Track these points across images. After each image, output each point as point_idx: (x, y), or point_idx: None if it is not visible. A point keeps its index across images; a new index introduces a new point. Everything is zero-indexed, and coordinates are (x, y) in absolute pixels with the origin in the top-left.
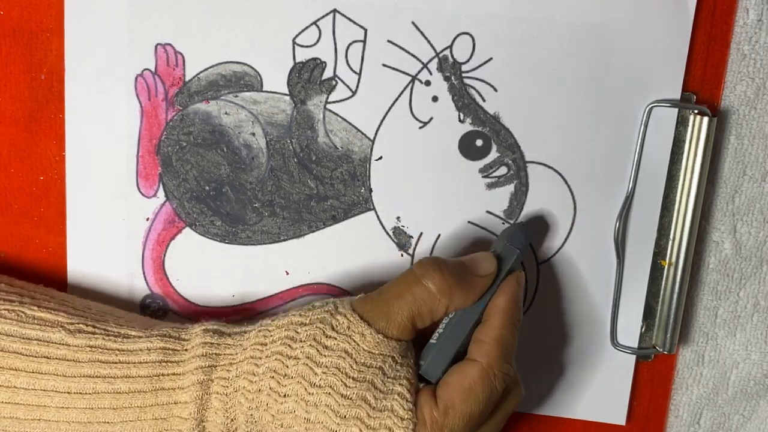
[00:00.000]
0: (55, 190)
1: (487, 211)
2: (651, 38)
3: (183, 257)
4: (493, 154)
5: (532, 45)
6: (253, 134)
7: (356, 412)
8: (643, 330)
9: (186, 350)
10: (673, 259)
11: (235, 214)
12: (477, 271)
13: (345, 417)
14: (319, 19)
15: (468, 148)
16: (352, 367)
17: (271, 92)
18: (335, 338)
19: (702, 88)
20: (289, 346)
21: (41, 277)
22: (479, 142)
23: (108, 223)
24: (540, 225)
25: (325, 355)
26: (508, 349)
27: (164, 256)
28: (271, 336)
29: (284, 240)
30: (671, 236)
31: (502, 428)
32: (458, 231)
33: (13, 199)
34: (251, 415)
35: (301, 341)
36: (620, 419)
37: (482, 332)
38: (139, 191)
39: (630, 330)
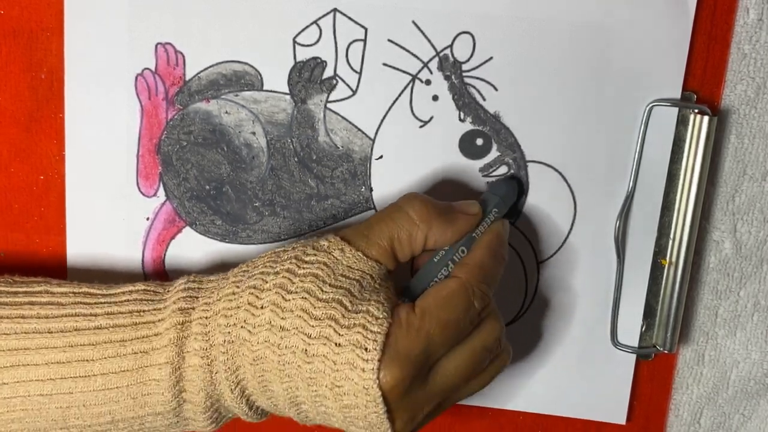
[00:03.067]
0: (55, 189)
1: None
2: (651, 38)
3: (183, 257)
4: (494, 154)
5: (533, 44)
6: (254, 133)
7: (331, 313)
8: (643, 329)
9: (168, 291)
10: (674, 259)
11: (236, 213)
12: (462, 211)
13: (319, 318)
14: (319, 18)
15: (468, 147)
16: (329, 275)
17: (271, 91)
18: (315, 254)
19: (702, 87)
20: (271, 266)
21: (41, 276)
22: (479, 142)
23: (108, 223)
24: (540, 225)
25: (303, 267)
26: (488, 273)
27: (164, 255)
28: (255, 263)
29: (285, 239)
30: (671, 236)
31: (486, 386)
32: None
33: (13, 198)
34: (229, 332)
35: (281, 261)
36: (620, 419)
37: (465, 258)
38: (140, 191)
39: (630, 329)
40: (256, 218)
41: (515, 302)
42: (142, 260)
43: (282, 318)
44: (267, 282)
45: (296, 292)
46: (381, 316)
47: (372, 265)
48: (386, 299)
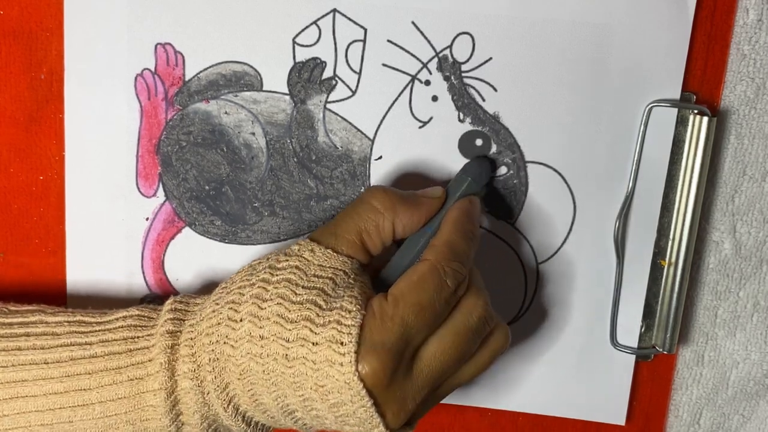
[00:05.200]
0: (54, 189)
1: (487, 211)
2: (651, 38)
3: (182, 257)
4: (493, 154)
5: (532, 45)
6: (253, 134)
7: (306, 314)
8: (642, 330)
9: (159, 315)
10: (673, 259)
11: (235, 213)
12: (424, 194)
13: (294, 321)
14: (319, 19)
15: (468, 147)
16: (301, 278)
17: (271, 92)
18: (287, 260)
19: (702, 88)
20: (247, 279)
21: (40, 276)
22: (479, 142)
23: (107, 223)
24: (540, 225)
25: (276, 274)
26: (457, 251)
27: (164, 255)
28: (233, 279)
29: (284, 240)
30: (671, 236)
31: (486, 369)
32: None
33: (12, 199)
34: (213, 350)
35: (257, 273)
36: (620, 419)
37: (433, 240)
38: (139, 191)
39: (630, 330)
40: (256, 219)
41: (515, 302)
42: (142, 260)
43: (260, 327)
44: (244, 295)
45: (271, 299)
46: (354, 309)
47: (344, 260)
48: (360, 293)
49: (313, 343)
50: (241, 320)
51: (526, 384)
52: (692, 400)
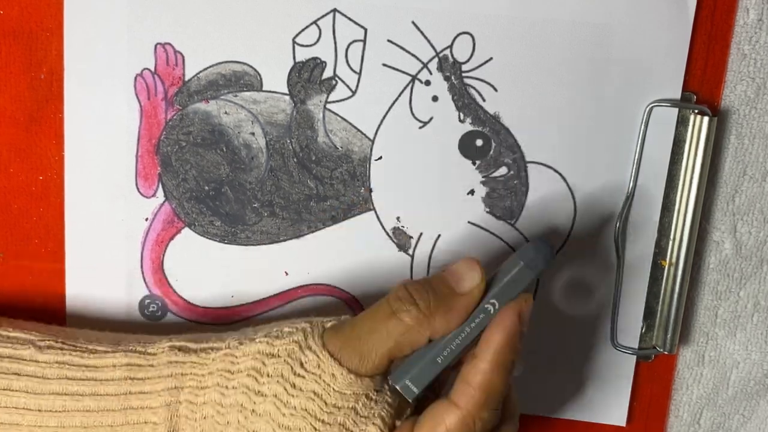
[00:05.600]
0: (54, 190)
1: (487, 212)
2: (651, 38)
3: (182, 258)
4: (493, 154)
5: (533, 45)
6: (253, 134)
7: None
8: (643, 330)
9: (152, 366)
10: (674, 259)
11: (235, 214)
12: (460, 289)
13: None
14: (319, 19)
15: (468, 148)
16: (321, 409)
17: (270, 92)
18: (304, 377)
19: (702, 87)
20: (256, 379)
21: (39, 276)
22: (479, 142)
23: (107, 224)
24: (540, 225)
25: (293, 395)
26: (493, 395)
27: (163, 256)
28: (238, 365)
29: (284, 240)
30: (671, 236)
31: None
32: (458, 231)
33: (12, 199)
34: None
35: (269, 376)
36: (620, 420)
37: (469, 372)
38: (138, 191)
39: (630, 330)
40: (255, 219)
41: None
42: (141, 261)
43: None
44: (256, 404)
45: (288, 428)
46: None
47: (367, 383)
48: (382, 426)
49: None
50: None
51: (526, 385)
52: (693, 400)
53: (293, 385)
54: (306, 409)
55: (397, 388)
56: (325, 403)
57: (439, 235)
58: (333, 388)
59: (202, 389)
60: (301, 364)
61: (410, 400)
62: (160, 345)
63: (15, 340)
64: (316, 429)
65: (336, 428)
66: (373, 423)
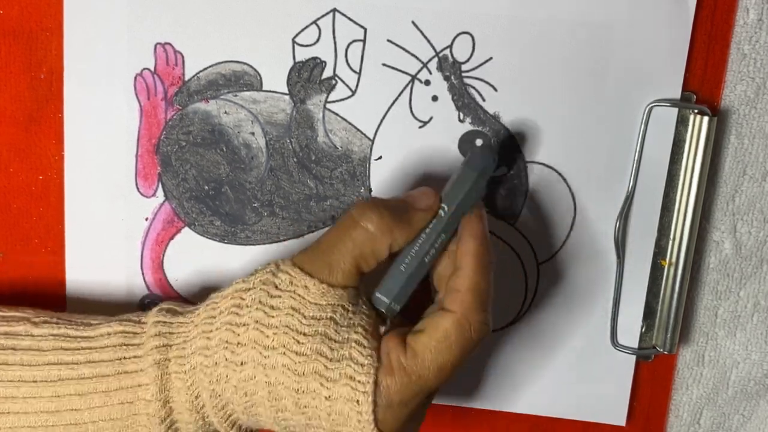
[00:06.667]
0: (54, 189)
1: (487, 211)
2: (651, 38)
3: (182, 257)
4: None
5: (532, 45)
6: (253, 134)
7: (313, 366)
8: (643, 330)
9: (144, 332)
10: (673, 259)
11: (235, 214)
12: (417, 206)
13: (303, 374)
14: (318, 19)
15: (468, 147)
16: (301, 322)
17: (270, 92)
18: (280, 296)
19: (702, 87)
20: (236, 314)
21: (40, 276)
22: (479, 142)
23: (107, 223)
24: (540, 225)
25: (273, 316)
26: (482, 296)
27: (163, 256)
28: (219, 307)
29: (283, 240)
30: (671, 236)
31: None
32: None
33: (12, 198)
34: (213, 389)
35: (247, 306)
36: (620, 420)
37: (455, 281)
38: (138, 191)
39: (630, 330)
40: (255, 219)
41: (515, 303)
42: (141, 261)
43: (266, 375)
44: (239, 335)
45: (274, 348)
46: (366, 363)
47: (341, 294)
48: (364, 334)
49: (325, 398)
50: (242, 363)
51: (526, 385)
52: (692, 400)
53: (271, 307)
54: (287, 326)
55: (371, 302)
56: (304, 317)
57: None
58: (308, 300)
59: (188, 342)
60: (276, 286)
61: (384, 311)
62: (151, 311)
63: (11, 318)
64: (299, 342)
65: (318, 338)
66: (355, 331)
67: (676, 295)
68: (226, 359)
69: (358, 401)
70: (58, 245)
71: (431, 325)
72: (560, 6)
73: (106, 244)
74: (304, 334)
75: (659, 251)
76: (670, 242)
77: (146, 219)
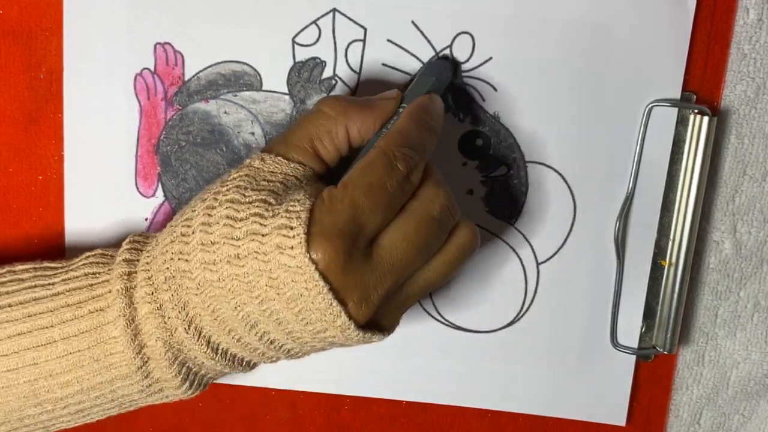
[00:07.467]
0: (53, 189)
1: (487, 211)
2: (651, 38)
3: None
4: (493, 154)
5: (532, 45)
6: (253, 134)
7: (255, 211)
8: (643, 330)
9: (114, 258)
10: (673, 259)
11: None
12: (380, 96)
13: (244, 219)
14: (318, 18)
15: (468, 147)
16: (251, 182)
17: (270, 91)
18: (237, 171)
19: (702, 87)
20: (201, 197)
21: None
22: (479, 142)
23: (107, 223)
24: (540, 225)
25: (226, 184)
26: (409, 138)
27: None
28: (192, 218)
29: None
30: (671, 236)
31: (456, 268)
32: None
33: (11, 198)
34: (168, 268)
35: (209, 190)
36: (620, 420)
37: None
38: (138, 191)
39: (630, 330)
40: None
41: (515, 303)
42: None
43: (210, 233)
44: (195, 210)
45: (220, 205)
46: (303, 198)
47: (295, 167)
48: (306, 194)
49: (262, 235)
50: (193, 233)
51: (526, 385)
52: (692, 400)
53: (227, 180)
54: (237, 186)
55: None
56: (255, 179)
57: None
58: (263, 170)
59: (154, 258)
60: (235, 167)
61: None
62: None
63: None
64: (245, 195)
65: (264, 193)
66: (298, 193)
67: (676, 295)
68: (182, 234)
69: (291, 227)
70: (58, 246)
71: (358, 160)
72: (560, 6)
73: (106, 244)
74: (252, 189)
75: (659, 251)
76: (670, 242)
77: (146, 219)
